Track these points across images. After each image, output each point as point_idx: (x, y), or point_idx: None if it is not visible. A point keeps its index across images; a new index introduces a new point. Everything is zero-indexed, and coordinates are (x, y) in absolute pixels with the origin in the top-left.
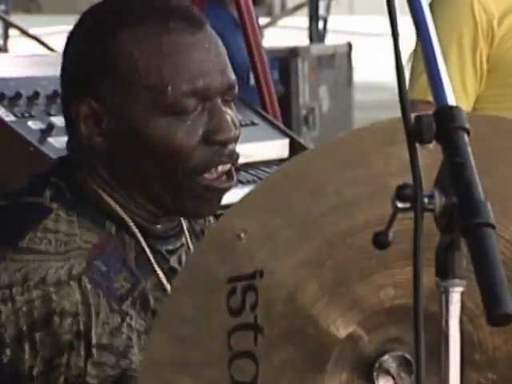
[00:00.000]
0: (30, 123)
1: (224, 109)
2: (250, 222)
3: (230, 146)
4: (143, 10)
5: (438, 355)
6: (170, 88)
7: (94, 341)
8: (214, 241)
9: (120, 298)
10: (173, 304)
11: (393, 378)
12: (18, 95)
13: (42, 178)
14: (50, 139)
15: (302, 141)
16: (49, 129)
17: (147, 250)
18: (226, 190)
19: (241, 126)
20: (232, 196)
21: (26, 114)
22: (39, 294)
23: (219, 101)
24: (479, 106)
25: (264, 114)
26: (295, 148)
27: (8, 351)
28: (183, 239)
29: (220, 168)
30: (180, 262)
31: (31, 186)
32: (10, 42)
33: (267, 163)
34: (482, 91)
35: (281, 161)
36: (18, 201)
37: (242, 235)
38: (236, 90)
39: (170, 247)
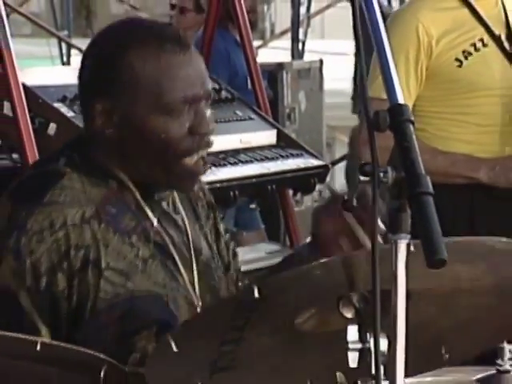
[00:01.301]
0: None
1: (205, 110)
2: None
3: (208, 137)
4: (144, 35)
5: None
6: (165, 96)
7: (103, 265)
8: None
9: (128, 233)
10: None
11: (355, 308)
12: (77, 97)
13: (59, 151)
14: None
15: (285, 131)
16: None
17: (141, 200)
18: (201, 173)
19: (241, 120)
20: (231, 172)
21: None
22: (62, 234)
23: (202, 104)
24: (419, 103)
25: (258, 111)
26: (281, 136)
27: (44, 279)
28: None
29: (200, 152)
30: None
31: (50, 156)
32: (72, 59)
33: (260, 148)
34: (422, 92)
35: (271, 146)
36: (39, 169)
37: None
38: (211, 96)
39: (162, 196)
